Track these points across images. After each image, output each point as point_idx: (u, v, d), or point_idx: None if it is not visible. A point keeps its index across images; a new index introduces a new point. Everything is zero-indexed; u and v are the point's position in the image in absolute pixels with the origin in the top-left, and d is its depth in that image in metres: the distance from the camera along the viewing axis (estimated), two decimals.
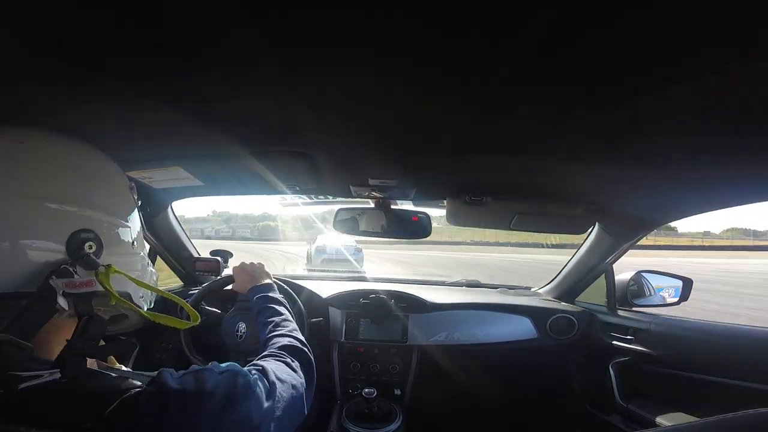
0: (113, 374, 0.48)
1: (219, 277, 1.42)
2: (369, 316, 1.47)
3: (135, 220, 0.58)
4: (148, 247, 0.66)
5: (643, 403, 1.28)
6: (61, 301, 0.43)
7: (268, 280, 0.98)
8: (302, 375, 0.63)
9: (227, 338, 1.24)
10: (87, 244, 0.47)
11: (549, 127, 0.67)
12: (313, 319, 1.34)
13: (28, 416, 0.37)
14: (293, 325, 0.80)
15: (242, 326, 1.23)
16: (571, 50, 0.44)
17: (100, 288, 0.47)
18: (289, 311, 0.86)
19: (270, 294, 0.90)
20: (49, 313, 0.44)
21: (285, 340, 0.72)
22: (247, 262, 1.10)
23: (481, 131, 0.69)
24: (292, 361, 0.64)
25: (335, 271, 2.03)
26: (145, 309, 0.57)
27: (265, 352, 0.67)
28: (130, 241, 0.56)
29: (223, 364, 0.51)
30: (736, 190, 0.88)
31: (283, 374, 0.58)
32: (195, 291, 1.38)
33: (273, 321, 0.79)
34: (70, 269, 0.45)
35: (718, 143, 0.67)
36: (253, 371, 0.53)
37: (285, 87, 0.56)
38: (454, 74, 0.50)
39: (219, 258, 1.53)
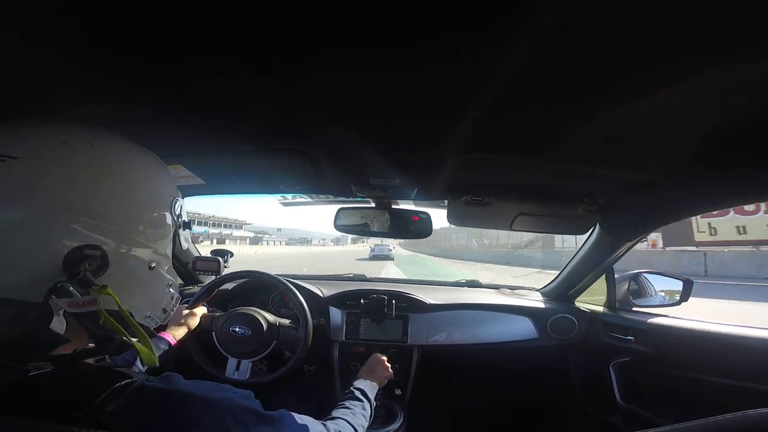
0: (105, 366, 0.47)
1: (219, 275, 1.43)
2: (369, 316, 1.47)
3: (163, 240, 0.56)
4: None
5: (643, 403, 1.28)
6: (56, 325, 0.41)
7: (376, 383, 1.06)
8: None
9: (225, 338, 1.24)
10: (87, 262, 0.44)
11: (550, 127, 0.67)
12: (314, 319, 1.35)
13: (17, 406, 0.37)
14: (364, 421, 0.84)
15: (238, 327, 1.24)
16: (571, 54, 0.44)
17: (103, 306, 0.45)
18: (370, 415, 0.91)
19: (368, 392, 0.98)
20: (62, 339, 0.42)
21: (347, 428, 0.76)
22: (385, 363, 1.17)
23: (483, 131, 0.69)
24: None
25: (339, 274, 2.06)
26: (152, 328, 0.56)
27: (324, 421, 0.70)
28: (148, 261, 0.53)
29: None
30: (737, 190, 0.88)
31: None
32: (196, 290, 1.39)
33: (352, 408, 0.86)
34: (68, 287, 0.42)
35: (719, 143, 0.67)
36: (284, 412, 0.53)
37: (287, 87, 0.56)
38: (454, 76, 0.50)
39: (219, 258, 1.54)
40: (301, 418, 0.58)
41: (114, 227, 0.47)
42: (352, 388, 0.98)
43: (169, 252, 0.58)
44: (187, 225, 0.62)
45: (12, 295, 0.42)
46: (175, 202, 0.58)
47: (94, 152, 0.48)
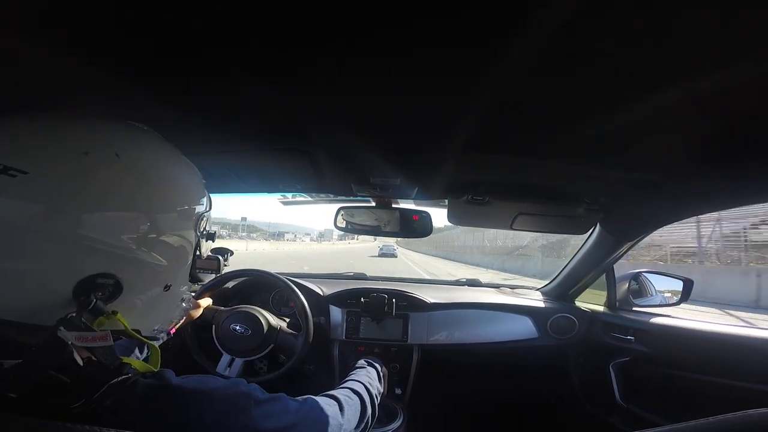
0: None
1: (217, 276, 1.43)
2: (369, 315, 1.47)
3: (184, 260, 0.52)
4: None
5: (642, 403, 1.28)
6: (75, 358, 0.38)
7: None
8: (347, 416, 0.62)
9: (226, 337, 1.25)
10: (98, 291, 0.41)
11: (550, 127, 0.67)
12: (314, 318, 1.35)
13: (16, 402, 0.37)
14: (370, 379, 0.85)
15: (239, 326, 1.24)
16: (571, 54, 0.44)
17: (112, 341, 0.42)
18: (378, 375, 0.92)
19: (371, 360, 1.02)
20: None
21: (353, 384, 0.77)
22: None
23: (483, 131, 0.69)
24: (347, 399, 0.66)
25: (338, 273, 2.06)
26: (160, 340, 0.55)
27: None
28: (165, 282, 0.49)
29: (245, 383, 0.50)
30: (737, 191, 0.88)
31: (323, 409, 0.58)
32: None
33: (355, 372, 0.89)
34: (78, 321, 0.39)
35: (719, 143, 0.66)
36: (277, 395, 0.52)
37: (287, 87, 0.56)
38: (455, 76, 0.50)
39: (219, 256, 1.54)
40: (301, 397, 0.58)
41: (133, 254, 0.43)
42: (364, 361, 1.00)
43: (188, 269, 0.54)
44: (211, 236, 0.58)
45: (16, 318, 0.40)
46: (202, 218, 0.53)
47: (119, 167, 0.42)
